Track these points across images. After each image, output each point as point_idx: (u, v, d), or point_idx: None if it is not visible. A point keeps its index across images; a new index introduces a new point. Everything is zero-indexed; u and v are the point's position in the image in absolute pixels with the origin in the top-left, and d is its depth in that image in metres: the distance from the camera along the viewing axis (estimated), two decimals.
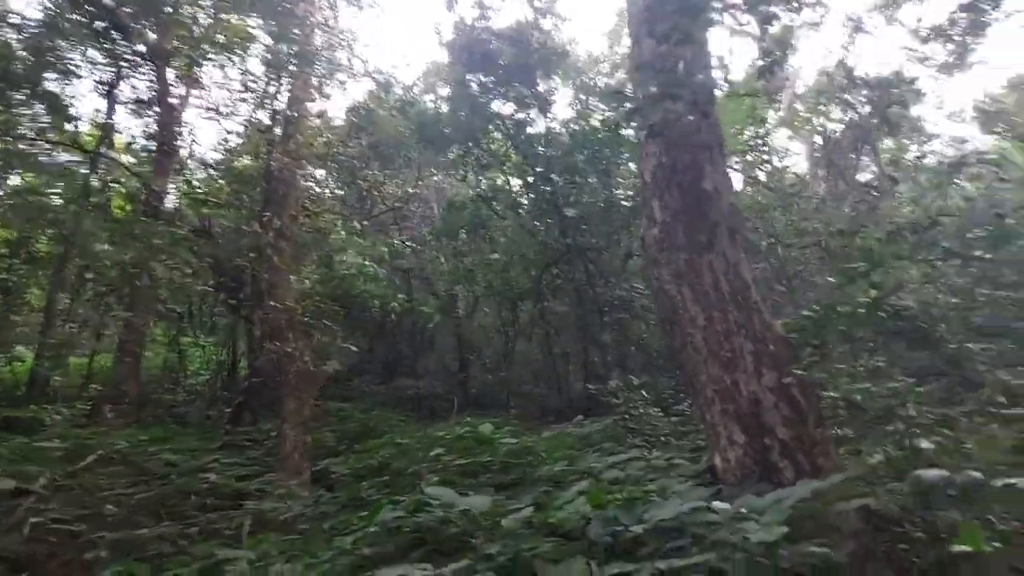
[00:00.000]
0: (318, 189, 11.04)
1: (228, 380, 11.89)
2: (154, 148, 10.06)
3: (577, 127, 9.50)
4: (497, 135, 10.57)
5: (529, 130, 10.13)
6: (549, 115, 10.44)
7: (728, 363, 3.87)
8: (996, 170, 12.92)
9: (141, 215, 9.19)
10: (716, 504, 1.86)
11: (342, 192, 12.53)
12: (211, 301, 12.57)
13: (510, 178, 10.72)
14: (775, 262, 11.07)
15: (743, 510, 1.84)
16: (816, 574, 1.90)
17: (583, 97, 12.01)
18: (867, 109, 18.49)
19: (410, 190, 13.22)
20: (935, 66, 16.57)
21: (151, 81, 9.95)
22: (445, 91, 10.84)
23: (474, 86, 10.14)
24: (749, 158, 19.03)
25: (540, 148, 9.74)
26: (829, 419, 4.11)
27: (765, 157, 18.11)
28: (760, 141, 18.46)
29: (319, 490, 5.31)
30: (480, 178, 10.90)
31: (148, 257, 7.48)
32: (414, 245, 13.91)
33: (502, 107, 10.53)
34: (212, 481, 5.29)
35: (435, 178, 15.03)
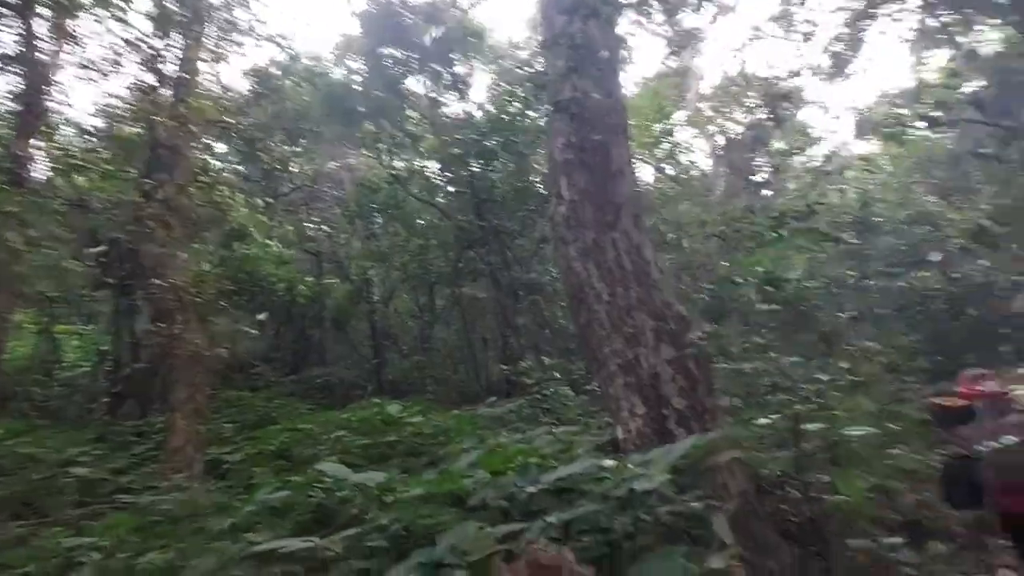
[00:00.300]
0: (215, 162, 10.22)
1: (112, 371, 10.82)
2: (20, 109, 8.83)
3: (494, 111, 9.46)
4: (413, 114, 10.30)
5: (446, 111, 9.95)
6: (467, 98, 10.32)
7: (630, 338, 4.02)
8: (867, 170, 14.42)
9: (2, 184, 8.05)
10: (606, 462, 1.91)
11: (243, 168, 11.70)
12: (91, 283, 11.34)
13: (426, 160, 10.50)
14: (680, 254, 11.68)
15: (630, 465, 1.89)
16: (690, 523, 2.00)
17: (502, 84, 11.97)
18: (762, 111, 19.87)
19: (320, 167, 12.61)
20: (820, 74, 18.08)
21: (19, 35, 8.70)
22: (358, 65, 10.38)
23: (389, 61, 9.79)
24: (658, 152, 19.90)
25: (457, 131, 9.60)
26: (719, 389, 4.38)
27: (672, 152, 19.01)
28: (667, 136, 19.36)
29: (212, 481, 4.95)
30: (394, 158, 10.59)
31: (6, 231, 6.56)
32: (325, 227, 13.30)
33: (418, 85, 10.26)
34: (80, 475, 4.76)
35: (349, 160, 14.44)
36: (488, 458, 1.95)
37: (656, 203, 13.76)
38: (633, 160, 4.58)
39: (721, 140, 21.30)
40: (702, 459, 2.74)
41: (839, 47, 15.76)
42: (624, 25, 4.70)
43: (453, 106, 10.24)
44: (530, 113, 8.42)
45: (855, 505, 3.55)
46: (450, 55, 10.35)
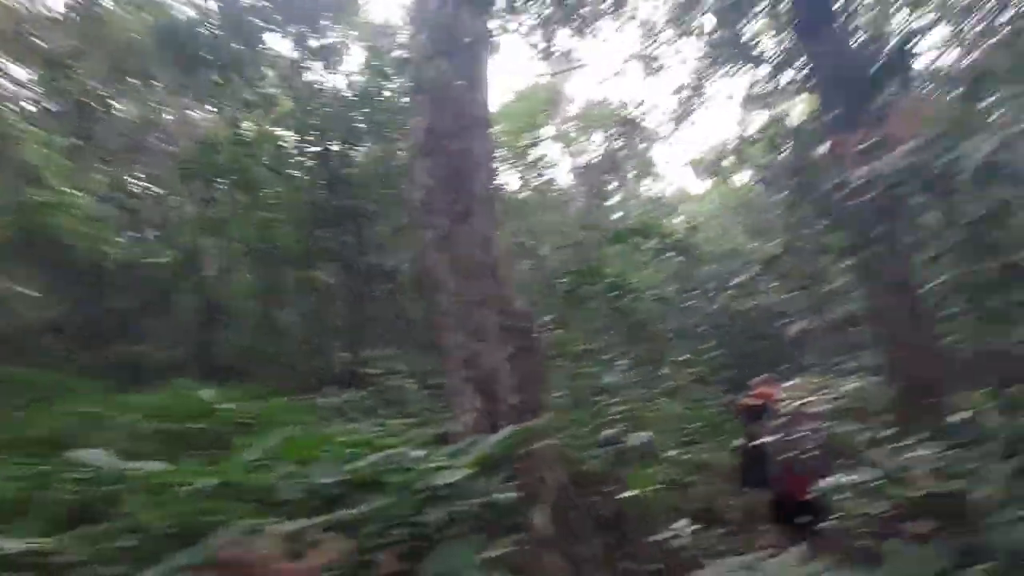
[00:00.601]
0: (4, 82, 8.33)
1: None
2: None
3: (363, 87, 8.95)
4: (271, 74, 9.37)
5: (310, 78, 9.21)
6: (335, 69, 9.65)
7: (474, 332, 4.02)
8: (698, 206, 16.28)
9: None
10: (412, 453, 1.83)
11: (46, 100, 9.71)
12: None
13: (280, 128, 9.61)
14: (537, 260, 12.12)
15: (440, 457, 1.84)
16: (496, 511, 2.01)
17: (374, 62, 11.40)
18: (618, 142, 21.56)
19: (151, 115, 10.93)
20: (670, 115, 20.08)
21: None
22: (211, 5, 9.17)
23: (249, 12, 8.80)
24: (524, 162, 20.55)
25: (320, 101, 8.92)
26: (553, 388, 4.58)
27: (537, 163, 19.75)
28: (534, 147, 20.08)
29: None
30: (243, 119, 9.53)
31: None
32: (152, 185, 11.57)
33: (281, 44, 9.35)
34: None
35: (190, 112, 12.73)
36: (289, 446, 1.76)
37: (518, 209, 14.14)
38: (494, 157, 4.60)
39: (581, 160, 22.62)
40: (518, 450, 2.79)
41: (686, 93, 17.65)
42: (499, 23, 4.72)
43: (319, 76, 9.50)
44: (401, 95, 8.13)
45: (648, 497, 3.91)
46: (320, 20, 9.61)
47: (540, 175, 20.10)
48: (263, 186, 10.37)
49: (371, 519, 1.48)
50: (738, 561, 2.96)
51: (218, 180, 10.47)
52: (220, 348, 12.35)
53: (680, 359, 8.39)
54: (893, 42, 3.50)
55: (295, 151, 9.64)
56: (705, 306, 14.49)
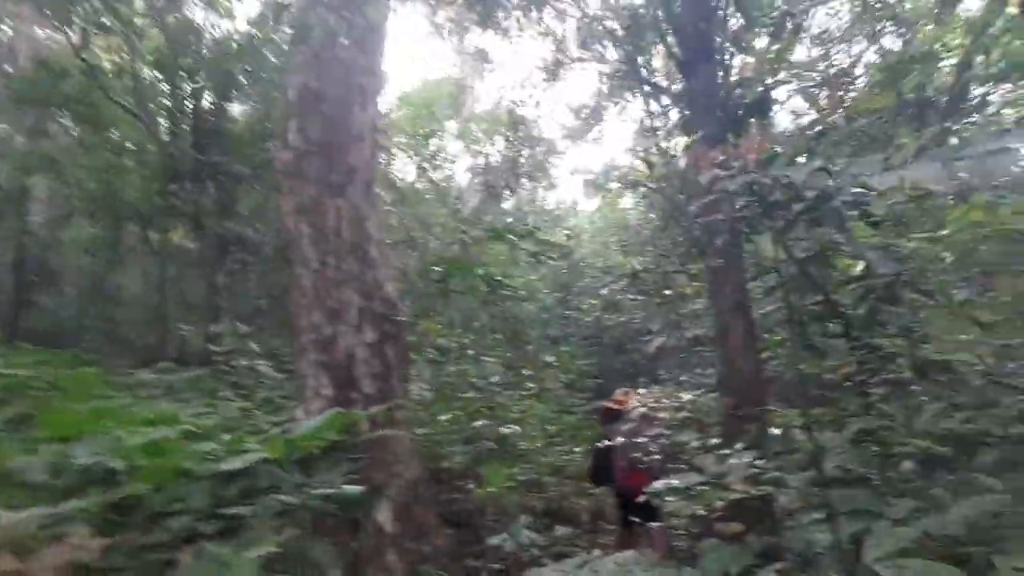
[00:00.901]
0: None
1: None
2: None
3: (248, 35, 8.12)
4: (139, 1, 8.17)
5: (186, 15, 8.17)
6: (218, 11, 8.68)
7: (332, 313, 3.73)
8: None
9: None
10: (214, 437, 1.59)
11: None
12: None
13: (143, 64, 8.41)
14: (424, 252, 11.83)
15: (246, 442, 1.62)
16: (336, 502, 1.84)
17: (266, 14, 10.48)
18: (518, 148, 21.95)
19: None
20: (568, 133, 20.87)
21: None
22: None
23: None
24: (423, 152, 20.15)
25: (194, 40, 7.95)
26: (415, 380, 4.41)
27: (435, 156, 19.46)
28: (433, 139, 19.78)
29: None
30: (93, 41, 8.21)
31: None
32: None
33: None
34: None
35: (28, 27, 10.75)
36: (50, 418, 1.43)
37: (410, 198, 13.77)
38: (380, 132, 4.34)
39: (480, 160, 22.70)
40: (331, 438, 2.61)
41: (585, 113, 18.46)
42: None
43: (196, 14, 8.48)
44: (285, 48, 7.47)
45: (498, 495, 3.89)
46: None
47: (437, 168, 19.82)
48: (114, 126, 9.06)
49: (166, 510, 1.22)
50: (576, 560, 3.03)
51: (59, 111, 8.98)
52: (36, 308, 10.58)
53: (551, 364, 8.61)
54: (758, 89, 3.85)
55: (159, 94, 8.51)
56: (580, 317, 15.10)
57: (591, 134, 19.84)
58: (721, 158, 2.26)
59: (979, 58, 5.84)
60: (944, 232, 3.53)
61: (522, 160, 22.44)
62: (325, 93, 3.86)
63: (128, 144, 9.32)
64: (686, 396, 3.83)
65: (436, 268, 4.39)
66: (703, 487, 2.35)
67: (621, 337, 12.35)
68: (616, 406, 4.73)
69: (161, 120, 8.97)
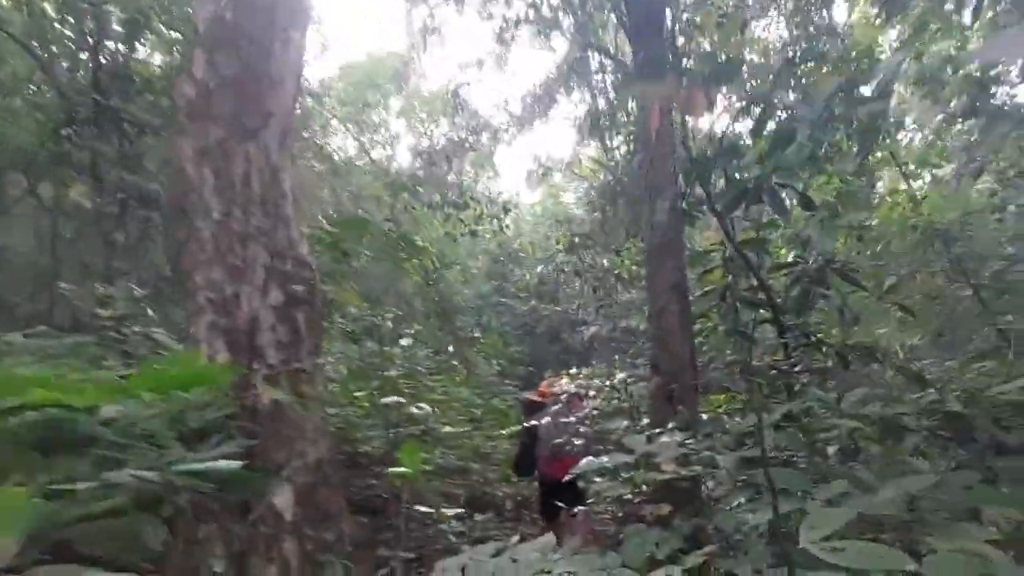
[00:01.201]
0: None
1: None
2: None
3: None
4: None
5: None
6: None
7: (235, 271, 3.30)
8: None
9: None
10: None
11: None
12: None
13: None
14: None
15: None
16: (213, 481, 1.54)
17: None
18: (463, 134, 21.66)
19: None
20: (516, 120, 20.70)
21: None
22: None
23: None
24: (365, 124, 19.29)
25: None
26: (327, 355, 4.04)
27: (375, 127, 18.70)
28: (376, 114, 18.97)
29: None
30: None
31: None
32: None
33: None
34: None
35: None
36: None
37: (346, 169, 13.10)
38: (302, 79, 3.92)
39: (424, 142, 22.14)
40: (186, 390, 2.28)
41: (532, 99, 18.30)
42: None
43: None
44: None
45: (415, 480, 3.62)
46: None
47: (376, 145, 19.04)
48: (2, 61, 7.94)
49: None
50: (492, 547, 2.81)
51: None
52: None
53: (480, 347, 8.41)
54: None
55: (58, 27, 7.50)
56: (515, 306, 14.96)
57: (538, 121, 19.72)
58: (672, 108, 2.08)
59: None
60: (874, 221, 3.62)
61: (466, 145, 22.05)
62: (241, 26, 3.41)
63: (19, 84, 8.21)
64: (620, 376, 3.71)
65: (330, 228, 3.97)
66: (631, 468, 2.18)
67: (556, 326, 12.34)
68: (538, 398, 4.65)
69: (60, 59, 7.96)
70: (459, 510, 4.98)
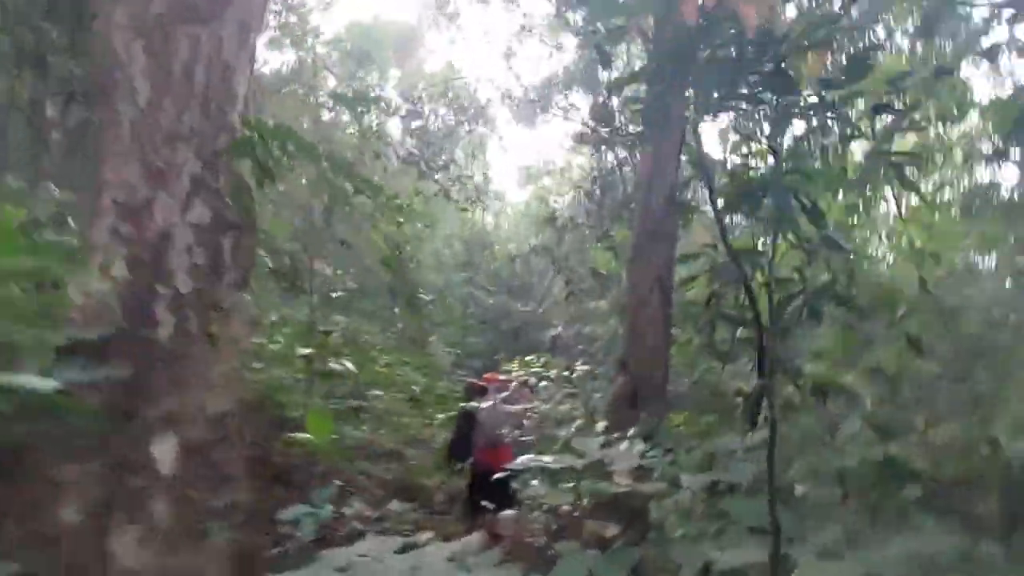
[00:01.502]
0: None
1: None
2: None
3: None
4: None
5: None
6: None
7: (154, 174, 2.77)
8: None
9: None
10: None
11: None
12: None
13: None
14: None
15: None
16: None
17: None
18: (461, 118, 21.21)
19: None
20: (515, 114, 20.34)
21: None
22: None
23: None
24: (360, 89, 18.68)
25: None
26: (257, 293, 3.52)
27: (368, 100, 18.17)
28: (370, 81, 18.34)
29: None
30: None
31: None
32: None
33: None
34: None
35: None
36: None
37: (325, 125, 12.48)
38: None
39: (417, 120, 21.57)
40: None
41: (534, 95, 17.93)
42: None
43: None
44: None
45: (322, 448, 3.15)
46: None
47: (366, 113, 18.37)
48: None
49: None
50: (399, 541, 2.37)
51: None
52: None
53: (441, 329, 7.96)
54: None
55: None
56: (484, 298, 14.55)
57: (538, 119, 19.33)
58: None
59: None
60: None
61: (462, 132, 21.53)
62: None
63: None
64: (581, 368, 3.31)
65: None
66: (577, 474, 1.77)
67: (522, 324, 11.97)
68: (483, 383, 4.50)
69: None
70: (380, 494, 4.52)
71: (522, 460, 1.93)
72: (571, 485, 1.98)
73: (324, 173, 2.88)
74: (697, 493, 1.85)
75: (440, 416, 5.21)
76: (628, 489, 1.62)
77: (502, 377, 4.50)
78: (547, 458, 1.89)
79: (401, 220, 4.83)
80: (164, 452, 2.72)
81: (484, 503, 3.47)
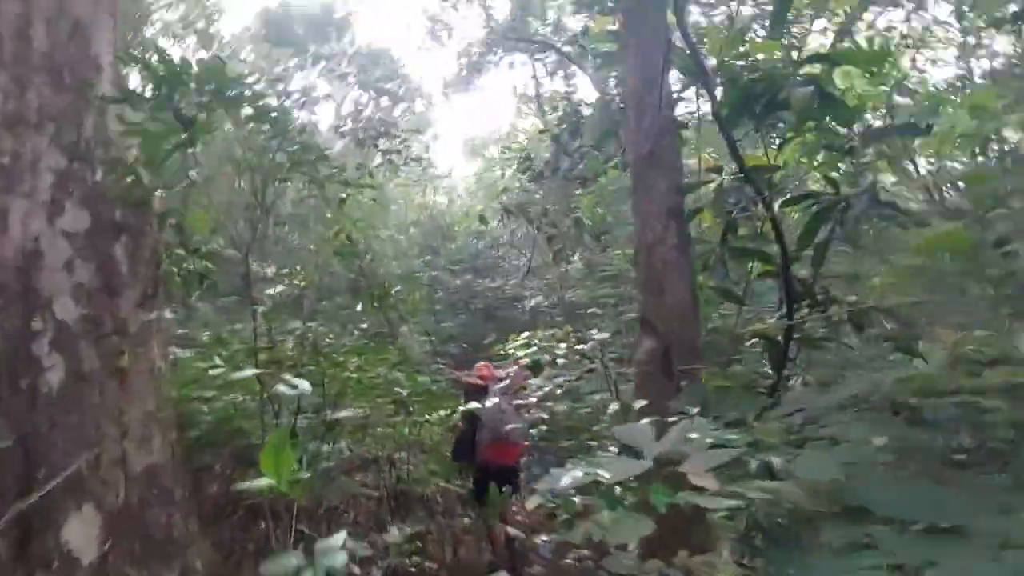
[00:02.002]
0: None
1: None
2: None
3: None
4: None
5: None
6: None
7: (2, 173, 2.08)
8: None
9: None
10: None
11: None
12: None
13: None
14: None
15: None
16: None
17: None
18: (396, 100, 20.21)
19: None
20: (452, 85, 19.50)
21: None
22: None
23: None
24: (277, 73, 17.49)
25: None
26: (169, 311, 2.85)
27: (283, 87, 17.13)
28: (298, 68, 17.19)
29: None
30: None
31: None
32: None
33: None
34: None
35: None
36: None
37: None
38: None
39: (348, 105, 20.53)
40: None
41: (465, 61, 17.14)
42: None
43: None
44: None
45: (286, 492, 2.55)
46: None
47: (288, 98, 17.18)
48: None
49: None
50: None
51: None
52: None
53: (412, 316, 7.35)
54: None
55: None
56: (448, 281, 13.92)
57: (472, 85, 18.51)
58: None
59: None
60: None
61: (397, 113, 20.50)
62: None
63: None
64: (598, 335, 2.79)
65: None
66: (644, 479, 1.25)
67: (492, 302, 11.41)
68: (480, 381, 4.38)
69: None
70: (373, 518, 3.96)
71: (559, 476, 1.39)
72: (630, 501, 1.45)
73: (254, 134, 2.22)
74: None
75: (429, 417, 4.67)
76: (714, 498, 1.10)
77: (499, 371, 4.29)
78: (586, 464, 1.36)
79: (348, 193, 4.17)
80: (80, 533, 2.08)
81: (489, 487, 3.32)
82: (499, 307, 11.80)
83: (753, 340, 3.29)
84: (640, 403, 1.81)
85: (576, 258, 6.04)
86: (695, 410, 1.69)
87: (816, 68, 2.34)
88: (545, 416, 3.22)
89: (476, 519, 4.55)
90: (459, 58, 16.65)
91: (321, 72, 19.90)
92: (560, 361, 2.77)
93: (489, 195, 18.00)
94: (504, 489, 3.94)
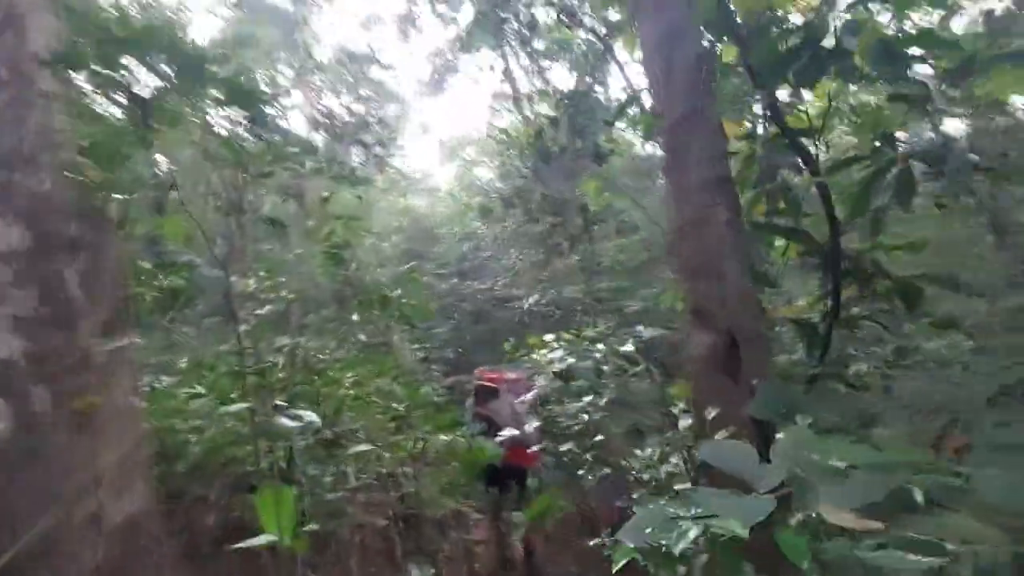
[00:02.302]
0: None
1: None
2: None
3: None
4: None
5: None
6: None
7: None
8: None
9: None
10: None
11: None
12: None
13: None
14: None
15: None
16: None
17: None
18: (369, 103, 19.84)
19: None
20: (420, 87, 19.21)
21: None
22: None
23: None
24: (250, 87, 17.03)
25: None
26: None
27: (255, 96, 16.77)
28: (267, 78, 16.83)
29: None
30: None
31: None
32: None
33: None
34: None
35: None
36: None
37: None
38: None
39: (320, 113, 20.16)
40: None
41: (437, 63, 16.84)
42: None
43: None
44: None
45: (289, 546, 2.23)
46: None
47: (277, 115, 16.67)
48: None
49: None
50: None
51: None
52: None
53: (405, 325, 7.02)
54: None
55: None
56: (434, 285, 13.55)
57: (445, 85, 18.21)
58: None
59: None
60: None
61: (371, 119, 20.11)
62: None
63: None
64: (645, 332, 2.48)
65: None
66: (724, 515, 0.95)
67: (482, 305, 11.10)
68: (491, 384, 4.35)
69: None
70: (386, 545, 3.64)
71: (632, 523, 1.05)
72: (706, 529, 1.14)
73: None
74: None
75: (432, 435, 4.37)
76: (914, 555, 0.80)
77: (508, 376, 4.25)
78: (691, 505, 1.02)
79: (332, 192, 3.86)
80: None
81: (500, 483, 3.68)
82: (490, 309, 11.50)
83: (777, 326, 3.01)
84: (712, 412, 1.51)
85: (573, 252, 5.75)
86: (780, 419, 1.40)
87: (862, 12, 2.08)
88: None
89: (491, 530, 4.40)
90: (432, 58, 16.34)
91: (294, 75, 19.37)
92: (605, 368, 2.44)
93: (471, 195, 17.67)
94: (505, 492, 4.02)
